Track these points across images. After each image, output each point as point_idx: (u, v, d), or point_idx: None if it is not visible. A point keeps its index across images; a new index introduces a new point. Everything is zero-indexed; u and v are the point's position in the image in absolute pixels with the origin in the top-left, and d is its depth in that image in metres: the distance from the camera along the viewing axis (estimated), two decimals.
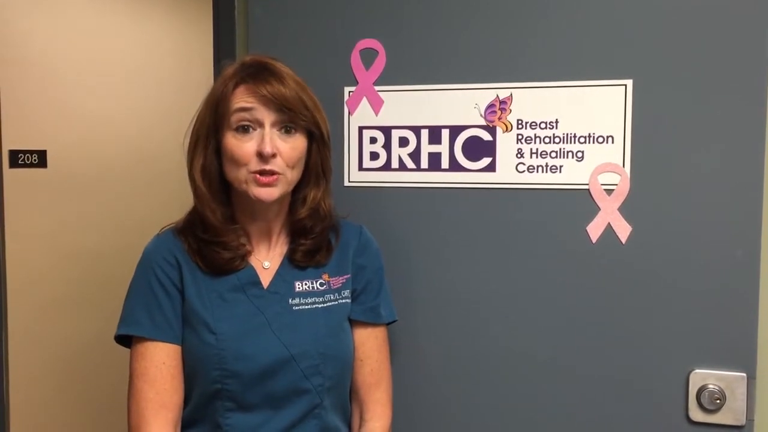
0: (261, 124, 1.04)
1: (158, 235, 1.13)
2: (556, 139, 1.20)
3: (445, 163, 1.26)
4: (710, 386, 1.14)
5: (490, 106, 1.23)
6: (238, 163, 1.04)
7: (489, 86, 1.23)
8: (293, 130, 1.06)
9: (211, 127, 1.06)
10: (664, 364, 1.17)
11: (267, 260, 1.12)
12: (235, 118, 1.04)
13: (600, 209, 1.19)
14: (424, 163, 1.27)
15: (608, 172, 1.18)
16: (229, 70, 1.08)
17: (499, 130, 1.23)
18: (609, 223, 1.18)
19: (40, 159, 2.35)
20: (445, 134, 1.26)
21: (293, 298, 1.10)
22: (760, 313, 1.13)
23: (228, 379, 1.04)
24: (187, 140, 1.09)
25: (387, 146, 1.29)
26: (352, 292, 1.15)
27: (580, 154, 1.19)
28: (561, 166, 1.20)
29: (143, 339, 1.06)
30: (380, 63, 1.28)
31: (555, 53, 1.19)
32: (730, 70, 1.12)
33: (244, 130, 1.04)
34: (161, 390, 1.05)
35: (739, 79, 1.11)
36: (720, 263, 1.13)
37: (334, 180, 1.18)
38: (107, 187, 2.58)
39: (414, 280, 1.28)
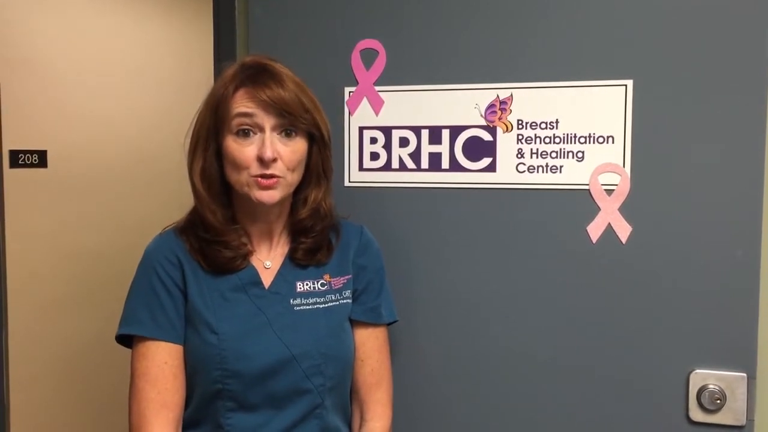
0: (261, 129, 1.04)
1: (160, 234, 1.13)
2: (557, 140, 1.20)
3: (445, 163, 1.26)
4: (710, 386, 1.14)
5: (491, 106, 1.23)
6: (238, 167, 1.04)
7: (489, 86, 1.23)
8: (293, 134, 1.06)
9: (212, 130, 1.06)
10: (664, 364, 1.17)
11: (268, 260, 1.12)
12: (235, 123, 1.04)
13: (600, 209, 1.19)
14: (425, 163, 1.27)
15: (608, 172, 1.18)
16: (229, 71, 1.07)
17: (499, 131, 1.23)
18: (609, 223, 1.18)
19: (40, 159, 2.35)
20: (446, 134, 1.26)
21: (294, 299, 1.10)
22: (760, 313, 1.13)
23: (229, 378, 1.04)
24: (188, 141, 1.10)
25: (387, 146, 1.29)
26: (353, 293, 1.15)
27: (580, 155, 1.19)
28: (561, 166, 1.20)
29: (145, 339, 1.06)
30: (380, 63, 1.28)
31: (555, 53, 1.19)
32: (730, 70, 1.12)
33: (244, 134, 1.04)
34: (163, 390, 1.05)
35: (739, 79, 1.11)
36: (720, 263, 1.14)
37: (335, 180, 1.18)
38: (107, 187, 2.58)
39: (414, 280, 1.28)
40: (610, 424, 1.20)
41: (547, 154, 1.21)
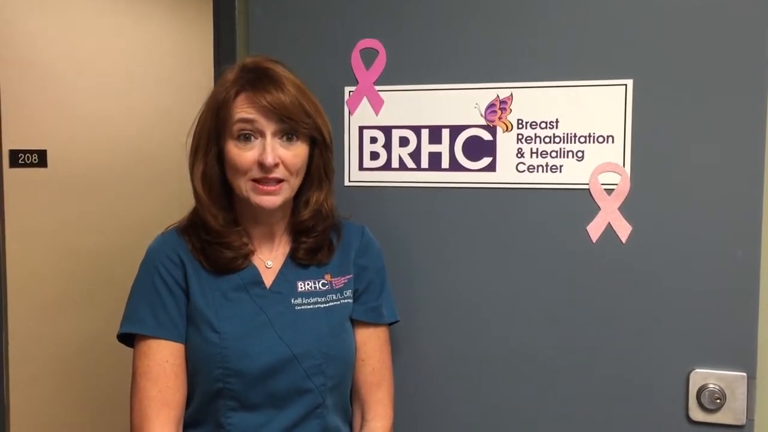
0: (262, 134, 1.04)
1: (162, 234, 1.13)
2: (557, 139, 1.20)
3: (445, 162, 1.26)
4: (710, 386, 1.14)
5: (491, 105, 1.23)
6: (239, 171, 1.04)
7: (489, 86, 1.23)
8: (295, 138, 1.06)
9: (212, 133, 1.07)
10: (664, 363, 1.17)
11: (270, 260, 1.12)
12: (236, 128, 1.04)
13: (600, 209, 1.19)
14: (425, 162, 1.27)
15: (608, 171, 1.18)
16: (230, 75, 1.07)
17: (499, 130, 1.23)
18: (609, 222, 1.18)
19: (40, 159, 2.35)
20: (446, 134, 1.26)
21: (295, 298, 1.10)
22: (760, 313, 1.13)
23: (230, 378, 1.04)
24: (189, 141, 1.10)
25: (387, 146, 1.29)
26: (354, 292, 1.15)
27: (580, 154, 1.19)
28: (561, 166, 1.20)
29: (146, 337, 1.06)
30: (380, 63, 1.28)
31: (555, 53, 1.19)
32: (730, 70, 1.12)
33: (245, 138, 1.04)
34: (164, 388, 1.05)
35: (739, 79, 1.12)
36: (720, 263, 1.14)
37: (335, 180, 1.18)
38: (107, 186, 2.58)
39: (414, 280, 1.28)
40: (610, 424, 1.20)
41: (547, 153, 1.21)
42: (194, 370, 1.07)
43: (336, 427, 1.13)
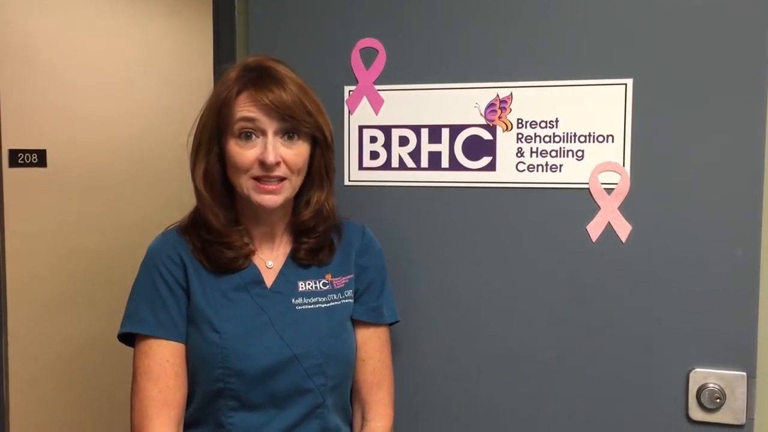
0: (264, 133, 1.04)
1: (162, 233, 1.13)
2: (556, 138, 1.20)
3: (445, 162, 1.26)
4: (710, 385, 1.14)
5: (490, 105, 1.23)
6: (239, 170, 1.04)
7: (489, 85, 1.23)
8: (296, 137, 1.06)
9: (214, 132, 1.07)
10: (664, 363, 1.17)
11: (270, 260, 1.12)
12: (237, 126, 1.04)
13: (600, 208, 1.19)
14: (424, 162, 1.27)
15: (608, 171, 1.18)
16: (232, 74, 1.07)
17: (499, 129, 1.23)
18: (609, 222, 1.18)
19: (39, 158, 2.35)
20: (445, 133, 1.26)
21: (296, 298, 1.10)
22: (760, 312, 1.13)
23: (231, 377, 1.04)
24: (190, 140, 1.10)
25: (387, 145, 1.29)
26: (355, 292, 1.15)
27: (580, 154, 1.19)
28: (561, 165, 1.20)
29: (147, 337, 1.06)
30: (380, 62, 1.28)
31: (555, 53, 1.19)
32: (730, 70, 1.12)
33: (246, 137, 1.04)
34: (164, 388, 1.05)
35: (739, 79, 1.12)
36: (720, 263, 1.14)
37: (335, 179, 1.18)
38: (107, 186, 2.58)
39: (414, 280, 1.28)
40: (610, 423, 1.20)
41: (546, 153, 1.21)
42: (195, 370, 1.07)
43: (336, 426, 1.13)
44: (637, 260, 1.17)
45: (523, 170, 1.22)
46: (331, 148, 1.13)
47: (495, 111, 1.23)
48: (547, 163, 1.21)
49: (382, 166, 1.29)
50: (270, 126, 1.04)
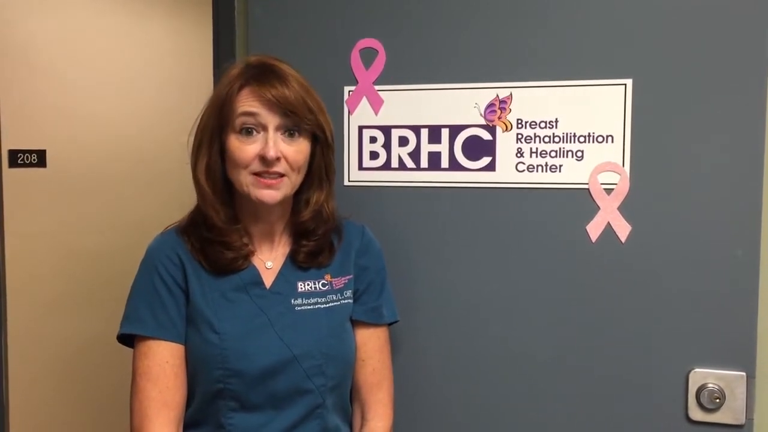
0: (265, 128, 1.04)
1: (161, 234, 1.13)
2: (556, 139, 1.20)
3: (444, 162, 1.26)
4: (710, 385, 1.14)
5: (490, 105, 1.23)
6: (239, 165, 1.04)
7: (489, 86, 1.23)
8: (297, 134, 1.06)
9: (216, 129, 1.06)
10: (663, 363, 1.17)
11: (270, 260, 1.12)
12: (239, 122, 1.04)
13: (600, 208, 1.19)
14: (424, 162, 1.27)
15: (608, 171, 1.18)
16: (234, 71, 1.07)
17: (498, 130, 1.23)
18: (609, 222, 1.18)
19: (39, 159, 2.34)
20: (445, 134, 1.26)
21: (296, 299, 1.10)
22: (760, 312, 1.13)
23: (230, 378, 1.04)
24: (191, 139, 1.10)
25: (387, 146, 1.29)
26: (354, 293, 1.15)
27: (579, 154, 1.19)
28: (561, 166, 1.20)
29: (146, 338, 1.06)
30: (380, 62, 1.28)
31: (555, 53, 1.19)
32: (730, 70, 1.12)
33: (247, 132, 1.04)
34: (164, 389, 1.05)
35: (739, 79, 1.12)
36: (720, 263, 1.14)
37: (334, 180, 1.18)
38: (107, 187, 2.58)
39: (414, 280, 1.28)
40: (610, 424, 1.20)
41: (546, 153, 1.21)
42: (194, 371, 1.07)
43: (336, 427, 1.13)
44: (637, 260, 1.17)
45: (523, 170, 1.22)
46: (331, 148, 1.13)
47: (495, 111, 1.23)
48: (546, 163, 1.21)
49: (381, 166, 1.29)
50: (271, 121, 1.04)
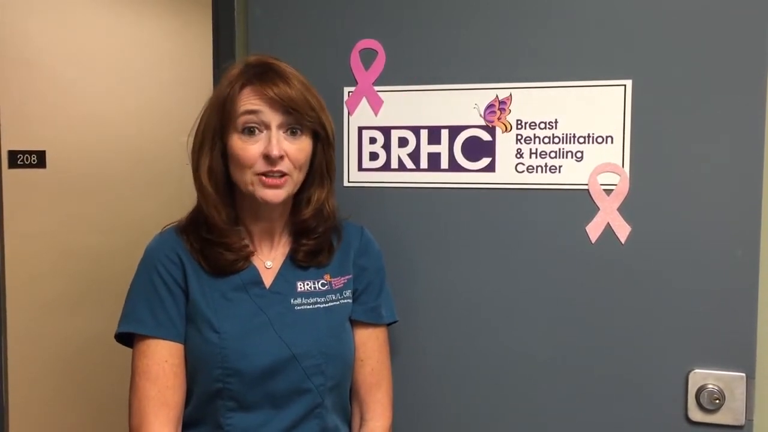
0: (267, 126, 1.04)
1: (160, 233, 1.13)
2: (556, 140, 1.20)
3: (444, 163, 1.26)
4: (709, 386, 1.14)
5: (490, 106, 1.23)
6: (243, 165, 1.04)
7: (488, 86, 1.23)
8: (299, 132, 1.06)
9: (217, 129, 1.06)
10: (663, 364, 1.17)
11: (269, 260, 1.12)
12: (241, 121, 1.04)
13: (599, 209, 1.19)
14: (424, 163, 1.27)
15: (607, 172, 1.18)
16: (234, 70, 1.07)
17: (498, 131, 1.23)
18: (608, 223, 1.18)
19: (39, 159, 2.35)
20: (445, 134, 1.26)
21: (295, 298, 1.10)
22: (760, 313, 1.13)
23: (230, 377, 1.04)
24: (191, 140, 1.09)
25: (386, 146, 1.29)
26: (354, 293, 1.15)
27: (579, 154, 1.19)
28: (560, 166, 1.20)
29: (146, 337, 1.06)
30: (380, 63, 1.28)
31: (555, 53, 1.19)
32: (730, 70, 1.12)
33: (250, 132, 1.04)
34: (163, 388, 1.05)
35: (739, 80, 1.11)
36: (720, 263, 1.14)
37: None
38: (107, 187, 2.58)
39: (413, 280, 1.28)
40: (610, 424, 1.20)
41: (546, 154, 1.21)
42: (194, 370, 1.07)
43: (335, 427, 1.13)
44: (637, 261, 1.17)
45: (523, 171, 1.22)
46: (332, 146, 1.13)
47: (494, 112, 1.23)
48: (546, 164, 1.21)
49: (381, 167, 1.29)
50: (274, 119, 1.04)
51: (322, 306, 1.11)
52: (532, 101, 1.21)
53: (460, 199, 1.25)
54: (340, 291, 1.13)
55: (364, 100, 1.29)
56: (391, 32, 1.27)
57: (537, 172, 1.21)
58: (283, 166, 1.04)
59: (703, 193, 1.14)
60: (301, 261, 1.12)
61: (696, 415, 1.16)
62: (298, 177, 1.07)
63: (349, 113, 1.31)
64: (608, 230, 1.18)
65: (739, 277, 1.13)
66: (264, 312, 1.08)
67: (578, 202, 1.19)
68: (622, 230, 1.18)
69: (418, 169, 1.27)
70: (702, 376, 1.15)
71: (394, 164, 1.29)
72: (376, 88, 1.28)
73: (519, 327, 1.24)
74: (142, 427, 1.04)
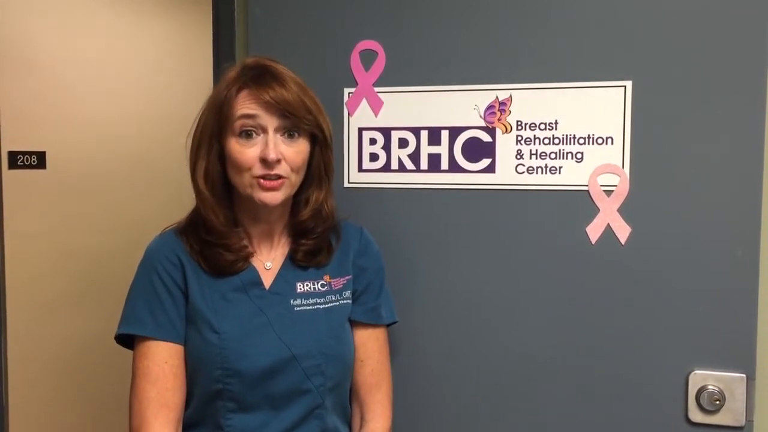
0: (264, 130, 1.04)
1: (160, 235, 1.13)
2: (556, 141, 1.20)
3: (444, 164, 1.26)
4: (710, 387, 1.14)
5: (490, 107, 1.23)
6: (241, 168, 1.04)
7: (488, 87, 1.23)
8: (296, 135, 1.06)
9: (214, 132, 1.07)
10: (663, 364, 1.17)
11: (269, 261, 1.12)
12: (238, 124, 1.04)
13: (599, 210, 1.19)
14: (424, 164, 1.27)
15: (608, 173, 1.18)
16: (231, 73, 1.07)
17: (498, 132, 1.23)
18: (608, 223, 1.18)
19: (39, 160, 2.35)
20: (445, 135, 1.26)
21: (295, 299, 1.10)
22: (760, 313, 1.13)
23: (230, 378, 1.04)
24: (189, 141, 1.10)
25: (386, 147, 1.29)
26: (353, 293, 1.16)
27: (579, 155, 1.19)
28: (560, 167, 1.20)
29: (145, 338, 1.06)
30: (380, 64, 1.28)
31: (555, 54, 1.19)
32: (730, 71, 1.12)
33: (247, 135, 1.04)
34: (163, 389, 1.05)
35: (738, 80, 1.12)
36: (720, 263, 1.14)
37: (334, 181, 1.18)
38: (107, 188, 2.58)
39: (413, 281, 1.28)
40: (609, 425, 1.20)
41: (546, 155, 1.21)
42: (194, 371, 1.07)
43: (335, 427, 1.13)
44: (637, 262, 1.17)
45: (523, 172, 1.22)
46: (330, 148, 1.13)
47: (494, 113, 1.23)
48: (546, 165, 1.21)
49: (381, 168, 1.29)
50: (271, 123, 1.04)
51: (321, 307, 1.11)
52: (532, 102, 1.21)
53: (460, 200, 1.25)
54: (340, 292, 1.13)
55: (364, 101, 1.29)
56: (391, 33, 1.27)
57: (537, 173, 1.21)
58: (281, 169, 1.04)
59: (703, 193, 1.14)
60: (301, 261, 1.12)
61: (696, 416, 1.16)
62: (295, 179, 1.08)
63: (349, 114, 1.31)
64: (608, 231, 1.18)
65: (739, 278, 1.13)
66: (264, 313, 1.08)
67: (578, 203, 1.19)
68: (622, 231, 1.18)
69: (418, 170, 1.27)
70: (702, 377, 1.15)
71: (394, 165, 1.29)
72: (376, 89, 1.28)
73: (519, 328, 1.24)
74: (142, 428, 1.04)
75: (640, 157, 1.16)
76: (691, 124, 1.14)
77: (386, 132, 1.29)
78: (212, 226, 1.08)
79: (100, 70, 2.55)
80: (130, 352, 1.09)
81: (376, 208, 1.29)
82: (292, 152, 1.05)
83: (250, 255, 1.11)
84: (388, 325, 1.19)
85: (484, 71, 1.23)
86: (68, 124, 2.44)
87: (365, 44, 1.28)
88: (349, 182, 1.31)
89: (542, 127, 1.21)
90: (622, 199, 1.17)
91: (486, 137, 1.24)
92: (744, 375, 1.13)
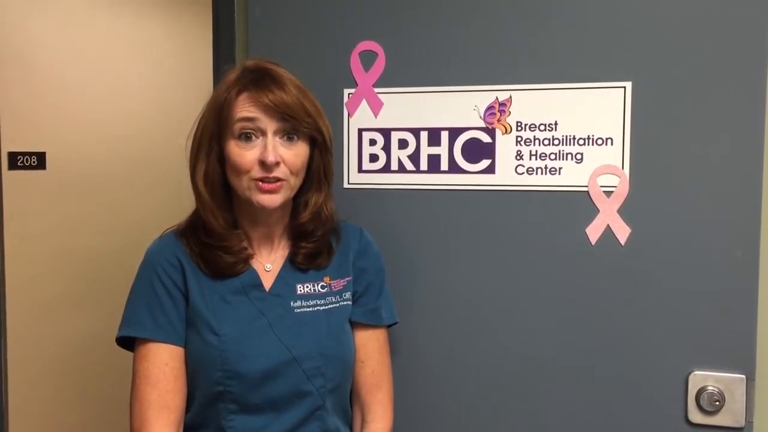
0: (263, 133, 1.04)
1: (160, 237, 1.13)
2: (556, 141, 1.20)
3: (444, 165, 1.26)
4: (709, 388, 1.14)
5: (490, 108, 1.23)
6: (240, 171, 1.04)
7: (488, 88, 1.23)
8: (295, 138, 1.06)
9: (214, 134, 1.07)
10: (663, 365, 1.17)
11: (269, 263, 1.12)
12: (237, 127, 1.04)
13: (599, 211, 1.19)
14: (424, 165, 1.27)
15: (607, 173, 1.18)
16: (231, 76, 1.08)
17: (498, 132, 1.23)
18: (608, 224, 1.18)
19: (39, 161, 2.35)
20: (445, 136, 1.26)
21: (295, 301, 1.10)
22: (760, 314, 1.13)
23: (230, 380, 1.04)
24: (189, 143, 1.10)
25: (386, 148, 1.29)
26: (353, 294, 1.16)
27: (579, 156, 1.19)
28: (560, 168, 1.20)
29: (146, 340, 1.06)
30: (380, 65, 1.28)
31: (554, 55, 1.19)
32: (730, 71, 1.12)
33: (246, 138, 1.04)
34: (163, 392, 1.05)
35: (738, 81, 1.11)
36: (719, 264, 1.14)
37: (334, 182, 1.18)
38: (106, 188, 2.58)
39: (413, 282, 1.28)
40: (609, 426, 1.20)
41: (546, 155, 1.21)
42: (194, 373, 1.07)
43: (336, 428, 1.13)
44: (637, 263, 1.17)
45: (522, 173, 1.22)
46: (329, 151, 1.13)
47: (494, 114, 1.23)
48: (546, 165, 1.21)
49: (381, 168, 1.29)
50: (270, 126, 1.04)
51: (321, 308, 1.11)
52: (532, 103, 1.21)
53: (460, 201, 1.25)
54: (340, 293, 1.13)
55: (364, 102, 1.29)
56: (391, 34, 1.27)
57: (537, 173, 1.21)
58: (280, 171, 1.04)
59: (703, 193, 1.14)
60: (301, 264, 1.12)
61: (696, 416, 1.16)
62: (294, 182, 1.08)
63: (349, 115, 1.30)
64: (608, 232, 1.18)
65: (739, 278, 1.13)
66: (264, 315, 1.08)
67: (578, 204, 1.19)
68: (622, 232, 1.18)
69: (418, 170, 1.27)
70: (702, 378, 1.15)
71: (394, 166, 1.29)
72: (376, 89, 1.28)
73: (519, 328, 1.24)
74: (142, 430, 1.04)
75: (640, 158, 1.16)
76: (691, 124, 1.14)
77: (386, 133, 1.29)
78: (212, 228, 1.08)
79: (100, 70, 2.55)
80: (129, 353, 1.09)
81: (376, 208, 1.29)
82: (291, 155, 1.05)
83: (250, 257, 1.11)
84: (388, 326, 1.19)
85: (483, 72, 1.23)
86: (68, 125, 2.44)
87: (365, 45, 1.28)
88: (348, 183, 1.31)
89: (542, 127, 1.21)
90: (621, 199, 1.17)
91: (486, 138, 1.24)
92: (744, 376, 1.13)
